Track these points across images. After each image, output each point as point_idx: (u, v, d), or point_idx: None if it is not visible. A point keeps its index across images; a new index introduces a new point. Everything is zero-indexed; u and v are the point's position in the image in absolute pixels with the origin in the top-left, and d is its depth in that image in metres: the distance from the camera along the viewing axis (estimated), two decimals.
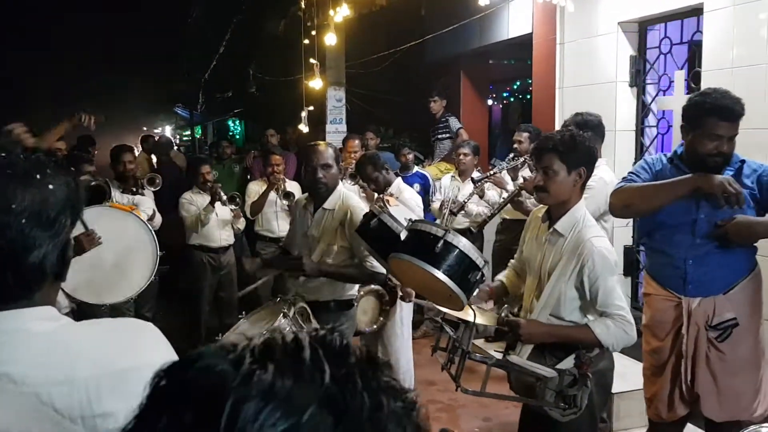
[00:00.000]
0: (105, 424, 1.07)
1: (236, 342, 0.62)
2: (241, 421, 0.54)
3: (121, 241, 3.33)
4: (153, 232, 3.48)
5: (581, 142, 2.63)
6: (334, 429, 0.55)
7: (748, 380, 2.97)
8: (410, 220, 2.63)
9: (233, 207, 5.68)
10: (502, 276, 3.09)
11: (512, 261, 3.12)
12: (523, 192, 4.76)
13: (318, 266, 3.35)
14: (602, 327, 2.52)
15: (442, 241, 2.37)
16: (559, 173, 2.58)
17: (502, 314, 2.74)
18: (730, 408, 2.96)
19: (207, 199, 5.54)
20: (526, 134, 5.41)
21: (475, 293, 2.51)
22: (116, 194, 4.79)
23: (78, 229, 3.04)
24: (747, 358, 2.97)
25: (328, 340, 0.63)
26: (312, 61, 7.85)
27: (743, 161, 2.95)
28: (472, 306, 2.62)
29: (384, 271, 3.39)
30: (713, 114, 2.81)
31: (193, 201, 5.65)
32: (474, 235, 5.61)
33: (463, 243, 2.40)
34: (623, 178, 3.15)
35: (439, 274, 2.34)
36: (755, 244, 3.01)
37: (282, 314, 3.13)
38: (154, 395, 0.61)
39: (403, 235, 2.56)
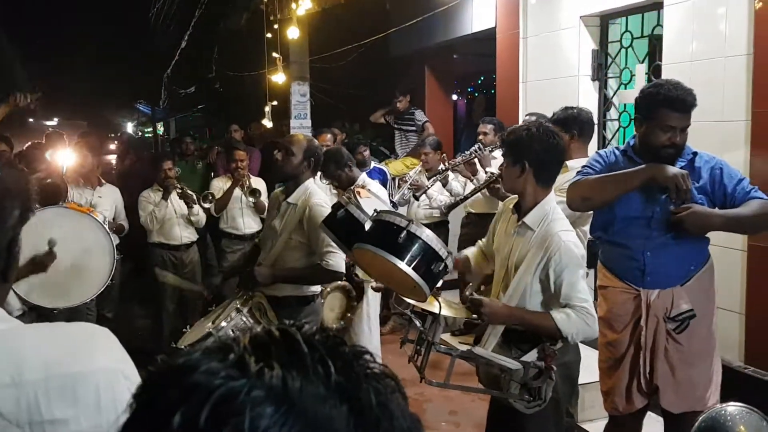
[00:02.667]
0: (54, 430, 1.04)
1: (222, 343, 0.60)
2: (262, 424, 0.53)
3: (77, 243, 3.23)
4: (110, 235, 3.39)
5: (524, 138, 2.68)
6: (349, 420, 0.56)
7: (702, 370, 3.01)
8: (375, 210, 2.61)
9: (206, 206, 5.61)
10: (468, 251, 3.09)
11: (480, 241, 3.11)
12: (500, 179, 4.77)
13: (271, 273, 3.37)
14: (563, 315, 2.52)
15: (405, 232, 2.35)
16: (507, 167, 2.73)
17: (466, 293, 2.75)
18: (686, 399, 2.98)
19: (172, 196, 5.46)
20: (490, 126, 5.44)
21: (438, 284, 2.49)
22: (74, 194, 4.66)
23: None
24: (702, 348, 3.00)
25: (317, 333, 0.62)
26: (275, 55, 7.76)
27: (695, 153, 2.97)
28: (438, 298, 2.61)
29: (343, 269, 3.38)
30: (666, 105, 2.84)
31: (151, 199, 5.53)
32: (439, 228, 5.60)
33: (427, 234, 2.38)
34: (578, 171, 3.16)
35: (402, 265, 2.32)
36: (708, 236, 3.03)
37: (235, 309, 3.08)
38: (153, 403, 0.58)
39: (367, 226, 2.54)
